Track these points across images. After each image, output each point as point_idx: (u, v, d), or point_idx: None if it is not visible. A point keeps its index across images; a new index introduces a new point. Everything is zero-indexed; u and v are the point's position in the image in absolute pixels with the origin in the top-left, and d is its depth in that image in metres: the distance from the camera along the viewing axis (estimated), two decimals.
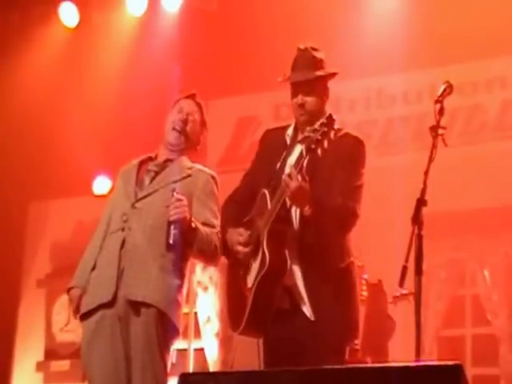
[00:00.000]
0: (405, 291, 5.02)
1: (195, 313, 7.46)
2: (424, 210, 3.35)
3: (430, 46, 6.97)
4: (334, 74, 3.87)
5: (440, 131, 3.46)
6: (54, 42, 8.40)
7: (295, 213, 3.71)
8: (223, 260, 3.98)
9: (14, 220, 8.32)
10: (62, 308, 8.08)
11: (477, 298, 6.82)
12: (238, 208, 3.90)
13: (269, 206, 3.69)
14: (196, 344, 7.46)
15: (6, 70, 8.30)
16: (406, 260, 3.27)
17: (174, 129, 4.05)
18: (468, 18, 6.87)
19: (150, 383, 3.75)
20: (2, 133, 8.30)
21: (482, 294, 6.78)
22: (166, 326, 3.78)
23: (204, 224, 3.90)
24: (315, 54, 3.84)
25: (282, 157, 3.80)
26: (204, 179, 4.00)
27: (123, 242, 3.85)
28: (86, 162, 7.74)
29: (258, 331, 3.76)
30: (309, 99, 3.78)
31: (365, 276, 5.59)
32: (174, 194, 3.82)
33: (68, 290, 3.99)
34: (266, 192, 3.74)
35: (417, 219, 3.32)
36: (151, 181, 4.00)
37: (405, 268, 3.26)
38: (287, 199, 3.60)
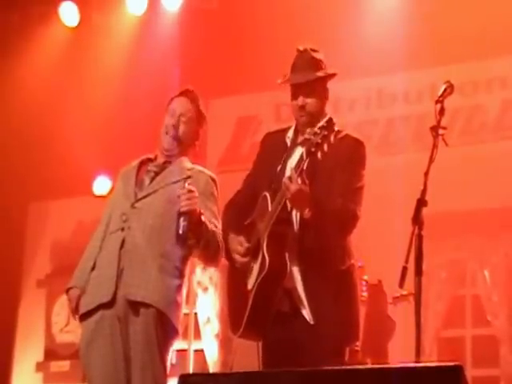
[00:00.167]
0: (405, 292, 5.01)
1: (195, 313, 7.45)
2: (424, 210, 3.35)
3: (431, 45, 6.97)
4: (333, 75, 3.86)
5: (440, 131, 3.45)
6: (55, 42, 8.40)
7: (296, 215, 3.70)
8: (224, 261, 3.98)
9: (14, 220, 8.32)
10: (62, 308, 8.07)
11: (477, 298, 6.82)
12: (239, 211, 3.89)
13: (269, 209, 3.69)
14: (196, 345, 7.46)
15: (6, 70, 8.29)
16: (406, 261, 3.27)
17: (166, 133, 4.03)
18: (468, 17, 6.87)
19: None
20: (2, 133, 8.30)
21: (482, 295, 6.78)
22: (165, 327, 3.78)
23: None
24: (314, 54, 3.84)
25: (283, 159, 3.79)
26: (204, 181, 3.99)
27: (123, 241, 3.85)
28: (86, 162, 7.74)
29: (258, 334, 3.76)
30: (309, 101, 3.78)
31: (365, 277, 5.58)
32: (186, 185, 3.80)
33: (67, 290, 3.99)
34: (267, 195, 3.73)
35: (417, 219, 3.32)
36: (151, 181, 3.99)
37: (405, 269, 3.25)
38: (287, 202, 3.59)
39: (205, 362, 7.33)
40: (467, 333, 6.88)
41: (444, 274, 6.85)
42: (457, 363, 2.66)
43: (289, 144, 3.85)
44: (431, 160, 3.41)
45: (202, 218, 3.79)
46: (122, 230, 3.87)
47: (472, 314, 6.87)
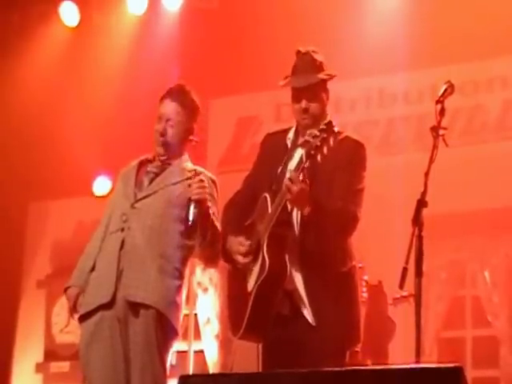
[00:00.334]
0: (405, 293, 5.00)
1: (195, 314, 7.44)
2: (424, 210, 3.34)
3: (431, 45, 6.96)
4: (333, 76, 3.86)
5: (441, 132, 3.45)
6: (55, 42, 8.39)
7: (296, 217, 3.70)
8: (224, 262, 3.97)
9: (14, 220, 8.31)
10: (62, 309, 8.05)
11: (477, 299, 6.81)
12: (239, 212, 3.88)
13: (269, 210, 3.68)
14: (196, 346, 7.45)
15: (6, 70, 8.29)
16: (407, 262, 3.26)
17: (157, 139, 4.01)
18: (469, 17, 6.86)
19: None
20: (2, 133, 8.29)
21: (482, 296, 6.77)
22: (165, 328, 3.78)
23: None
24: (316, 56, 3.83)
25: (283, 161, 3.78)
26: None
27: (122, 242, 3.84)
28: (86, 162, 7.73)
29: (258, 336, 3.75)
30: (312, 104, 3.77)
31: (365, 277, 5.57)
32: (200, 177, 3.79)
33: (65, 289, 3.99)
34: (267, 196, 3.73)
35: (417, 220, 3.31)
36: (150, 182, 3.99)
37: (405, 270, 3.25)
38: (288, 203, 3.58)
39: (205, 362, 7.32)
40: (467, 334, 6.87)
41: (444, 275, 6.84)
42: (457, 364, 2.66)
43: (289, 145, 3.84)
44: (431, 160, 3.40)
45: (210, 211, 3.79)
46: (122, 230, 3.86)
47: (472, 314, 6.86)
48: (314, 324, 3.62)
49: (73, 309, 3.92)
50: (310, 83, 3.76)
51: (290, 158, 3.78)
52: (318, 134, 3.47)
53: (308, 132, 3.54)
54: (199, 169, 4.04)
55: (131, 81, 7.80)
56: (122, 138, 7.52)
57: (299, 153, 3.65)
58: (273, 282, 3.62)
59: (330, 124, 3.51)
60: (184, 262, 3.92)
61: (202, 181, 3.79)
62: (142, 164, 4.08)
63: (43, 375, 8.23)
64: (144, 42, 7.96)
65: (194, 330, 7.44)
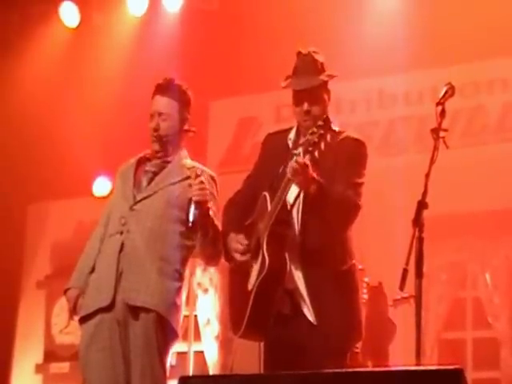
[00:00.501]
0: (405, 294, 5.00)
1: (195, 315, 7.44)
2: (425, 211, 3.33)
3: (432, 46, 6.96)
4: (333, 76, 3.85)
5: (441, 133, 3.44)
6: (55, 42, 8.39)
7: (296, 215, 3.70)
8: (224, 262, 3.96)
9: (14, 221, 8.31)
10: (61, 310, 8.05)
11: (478, 300, 6.80)
12: (240, 211, 3.88)
13: (269, 209, 3.68)
14: (196, 347, 7.44)
15: (6, 70, 8.29)
16: (407, 263, 3.26)
17: (151, 137, 4.01)
18: (470, 18, 6.86)
19: None
20: (2, 133, 8.29)
21: (483, 297, 6.76)
22: (165, 330, 3.77)
23: None
24: (317, 57, 3.82)
25: (284, 161, 3.77)
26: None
27: (122, 245, 3.83)
28: (86, 162, 7.73)
29: (258, 334, 3.75)
30: (314, 106, 3.77)
31: (365, 279, 5.56)
32: (201, 178, 3.79)
33: (65, 291, 3.98)
34: (267, 195, 3.73)
35: (418, 222, 3.30)
36: (149, 182, 3.97)
37: (405, 271, 3.24)
38: (294, 183, 3.55)
39: (205, 363, 7.32)
40: (468, 335, 6.86)
41: (445, 276, 6.83)
42: (457, 366, 2.65)
43: (290, 146, 3.84)
44: (432, 162, 3.40)
45: (211, 212, 3.78)
46: (121, 233, 3.85)
47: (473, 316, 6.86)
48: (314, 323, 3.62)
49: (73, 311, 3.92)
50: (311, 85, 3.76)
51: (291, 158, 3.77)
52: (315, 130, 3.48)
53: (309, 131, 3.54)
54: (198, 165, 4.02)
55: (131, 81, 7.79)
56: (121, 138, 7.51)
57: (298, 152, 3.64)
58: (273, 280, 3.62)
59: (327, 120, 3.52)
60: (184, 262, 3.92)
61: (202, 182, 3.78)
62: (140, 162, 4.06)
63: (43, 376, 8.23)
64: (144, 42, 7.96)
65: (194, 330, 7.44)
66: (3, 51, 8.28)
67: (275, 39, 7.14)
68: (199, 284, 7.45)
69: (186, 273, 3.99)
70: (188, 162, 4.03)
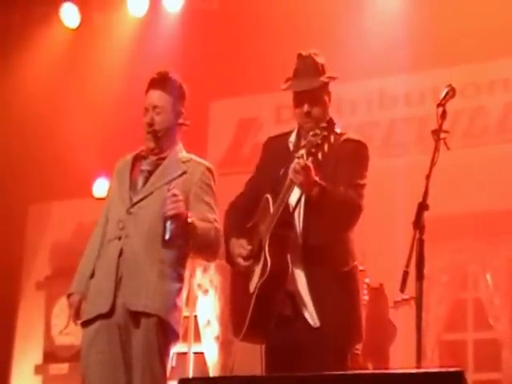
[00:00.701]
0: (406, 296, 4.99)
1: (195, 316, 7.43)
2: (426, 213, 3.33)
3: (433, 47, 6.95)
4: (334, 78, 3.84)
5: (442, 135, 3.44)
6: (55, 43, 8.39)
7: (298, 217, 3.70)
8: (224, 263, 3.96)
9: (14, 221, 8.30)
10: (61, 311, 8.05)
11: (479, 301, 6.80)
12: (242, 214, 3.87)
13: (271, 211, 3.68)
14: (196, 347, 7.43)
15: (7, 71, 8.29)
16: (407, 265, 3.25)
17: (146, 133, 3.97)
18: (470, 19, 6.85)
19: None
20: (2, 134, 8.29)
21: (483, 298, 6.76)
22: (166, 332, 3.76)
23: (200, 220, 3.84)
24: (317, 59, 3.82)
25: (285, 163, 3.76)
26: (199, 174, 3.93)
27: (121, 250, 3.81)
28: (86, 163, 7.72)
29: (260, 337, 3.75)
30: (314, 108, 3.76)
31: (366, 280, 5.55)
32: (170, 187, 3.77)
33: (68, 296, 3.97)
34: (269, 197, 3.72)
35: (418, 224, 3.29)
36: (145, 182, 3.92)
37: (406, 273, 3.24)
38: (293, 178, 3.54)
39: (205, 364, 7.31)
40: (469, 336, 6.86)
41: (445, 278, 6.82)
42: (458, 369, 2.65)
43: (291, 148, 3.83)
44: (433, 164, 3.39)
45: (189, 219, 3.75)
46: (119, 238, 3.82)
47: (474, 317, 6.85)
48: (314, 326, 3.62)
49: (75, 316, 3.90)
50: (311, 87, 3.75)
51: (293, 160, 3.76)
52: (318, 132, 3.47)
53: (310, 133, 3.53)
54: (195, 158, 3.99)
55: (132, 82, 7.78)
56: (122, 139, 7.49)
57: (300, 153, 3.63)
58: (274, 282, 3.62)
59: (330, 121, 3.51)
60: (183, 263, 3.90)
61: (174, 195, 3.74)
62: (136, 159, 4.01)
63: (42, 377, 8.22)
64: (144, 43, 7.95)
65: (194, 331, 7.43)
66: (4, 52, 8.29)
67: (276, 40, 7.13)
68: (199, 285, 7.44)
69: (186, 274, 3.98)
70: (184, 155, 3.98)
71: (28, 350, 8.27)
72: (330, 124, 3.50)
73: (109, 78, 7.96)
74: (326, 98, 3.81)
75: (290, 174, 3.54)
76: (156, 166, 3.95)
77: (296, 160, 3.52)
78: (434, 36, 6.95)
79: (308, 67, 3.79)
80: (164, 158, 3.96)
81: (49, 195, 8.28)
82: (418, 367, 3.16)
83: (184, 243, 3.80)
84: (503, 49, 6.83)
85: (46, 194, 8.26)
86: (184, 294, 3.95)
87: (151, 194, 3.88)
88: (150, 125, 3.94)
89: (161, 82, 4.00)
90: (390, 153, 7.23)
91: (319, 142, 3.46)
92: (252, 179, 3.99)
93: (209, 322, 7.37)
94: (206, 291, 7.44)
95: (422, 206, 3.32)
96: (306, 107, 3.76)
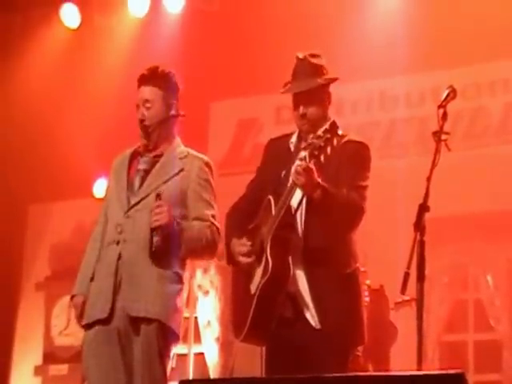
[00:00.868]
0: (407, 297, 4.98)
1: (195, 317, 7.42)
2: (426, 214, 3.32)
3: (433, 48, 6.95)
4: (333, 80, 3.84)
5: (443, 136, 3.43)
6: (56, 43, 8.39)
7: (300, 218, 3.69)
8: (225, 264, 3.95)
9: (14, 222, 8.30)
10: (61, 311, 8.06)
11: (479, 302, 6.79)
12: (243, 216, 3.86)
13: (273, 212, 3.67)
14: (196, 348, 7.43)
15: (8, 71, 8.29)
16: (408, 266, 3.24)
17: (139, 129, 3.94)
18: (471, 20, 6.85)
19: None
20: (3, 134, 8.29)
21: (484, 299, 6.75)
22: (166, 334, 3.74)
23: (197, 218, 3.83)
24: (314, 61, 3.81)
25: (287, 165, 3.76)
26: (197, 169, 3.89)
27: (119, 255, 3.79)
28: (86, 164, 7.71)
29: (261, 339, 3.74)
30: (310, 109, 3.76)
31: (367, 281, 5.55)
32: (157, 194, 3.75)
33: (71, 297, 3.96)
34: (271, 198, 3.72)
35: (419, 225, 3.29)
36: (141, 182, 3.88)
37: (407, 274, 3.23)
38: (295, 181, 3.54)
39: (205, 365, 7.30)
40: (469, 337, 6.85)
41: (446, 279, 6.82)
42: (459, 371, 2.65)
43: (292, 149, 3.83)
44: (434, 165, 3.39)
45: (176, 226, 3.72)
46: (118, 243, 3.80)
47: (474, 318, 6.85)
48: (316, 327, 3.61)
49: (79, 318, 3.88)
50: (306, 88, 3.75)
51: (294, 161, 3.76)
52: (321, 134, 3.47)
53: (311, 135, 3.53)
54: (193, 152, 3.95)
55: (132, 83, 7.76)
56: (122, 140, 7.47)
57: (302, 156, 3.63)
58: (276, 284, 3.62)
59: (333, 124, 3.50)
60: (182, 265, 3.87)
61: (159, 206, 3.72)
62: (133, 157, 3.98)
63: (42, 378, 8.21)
64: (145, 44, 7.95)
65: (195, 332, 7.42)
66: (5, 52, 8.29)
67: (276, 40, 7.13)
68: (200, 286, 7.43)
69: (186, 275, 3.96)
70: (181, 149, 3.94)
71: (27, 350, 8.27)
72: (333, 126, 3.49)
73: (109, 78, 7.96)
74: (324, 100, 3.80)
75: (292, 176, 3.54)
76: (152, 164, 3.91)
77: (298, 162, 3.52)
78: (434, 37, 6.94)
79: (304, 69, 3.79)
80: (161, 156, 3.93)
81: (49, 195, 8.28)
82: (418, 369, 3.16)
83: (177, 249, 3.78)
84: (504, 50, 6.82)
85: (47, 194, 8.26)
86: (184, 295, 3.94)
87: (148, 195, 3.83)
88: (141, 121, 3.92)
89: (150, 76, 3.97)
90: (390, 153, 7.22)
91: (322, 144, 3.45)
92: (253, 181, 3.98)
93: (209, 322, 7.37)
94: (206, 292, 7.43)
95: (423, 208, 3.32)
96: (301, 109, 3.76)
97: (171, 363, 3.90)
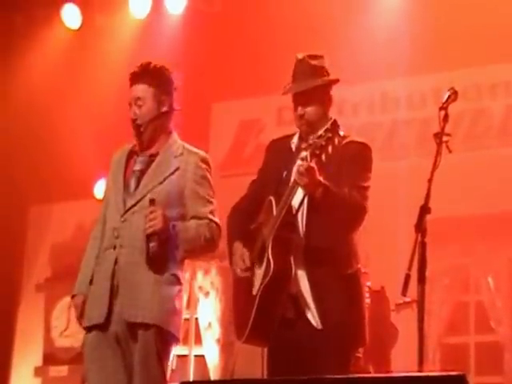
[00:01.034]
0: (408, 299, 4.98)
1: (196, 318, 7.42)
2: (428, 215, 3.31)
3: (435, 50, 6.95)
4: (334, 81, 3.84)
5: (444, 138, 3.42)
6: (57, 44, 8.40)
7: (301, 219, 3.69)
8: (226, 265, 3.94)
9: (14, 223, 8.30)
10: (61, 313, 8.05)
11: (480, 304, 6.79)
12: (245, 216, 3.87)
13: (274, 213, 3.67)
14: (196, 350, 7.42)
15: (9, 72, 8.29)
16: (409, 268, 3.24)
17: (132, 129, 3.90)
18: (472, 23, 6.85)
19: None
20: (3, 135, 8.29)
21: (485, 301, 6.75)
22: (165, 338, 3.72)
23: (194, 217, 3.80)
24: (314, 62, 3.81)
25: (288, 165, 3.75)
26: (193, 167, 3.85)
27: (116, 260, 3.77)
28: (87, 165, 7.71)
29: (263, 340, 3.73)
30: (308, 109, 3.76)
31: (368, 283, 5.54)
32: (152, 207, 3.71)
33: (72, 297, 3.96)
34: (272, 199, 3.72)
35: (420, 226, 3.28)
36: (137, 184, 3.84)
37: (408, 276, 3.23)
38: (298, 180, 3.53)
39: (205, 367, 7.30)
40: (471, 339, 6.85)
41: (447, 280, 6.81)
42: (460, 373, 2.63)
43: (294, 150, 3.83)
44: (435, 167, 3.38)
45: (172, 229, 3.71)
46: (114, 248, 3.78)
47: (475, 320, 6.84)
48: (318, 327, 3.61)
49: (80, 318, 3.87)
50: (303, 89, 3.75)
51: (295, 162, 3.76)
52: (323, 134, 3.47)
53: (312, 135, 3.53)
54: (189, 147, 3.91)
55: None
56: (123, 141, 7.48)
57: (304, 155, 3.63)
58: (277, 285, 3.61)
59: (334, 123, 3.51)
60: (180, 266, 3.84)
61: (152, 211, 3.69)
62: (130, 157, 3.94)
63: (42, 379, 8.21)
64: (146, 44, 7.94)
65: (195, 334, 7.42)
66: (6, 53, 8.29)
67: (277, 41, 7.13)
68: (200, 287, 7.43)
69: (187, 276, 3.95)
70: (177, 146, 3.88)
71: (28, 352, 8.27)
72: (334, 126, 3.50)
73: (110, 79, 7.95)
74: (324, 100, 3.80)
75: (295, 176, 3.53)
76: (148, 164, 3.86)
77: (300, 162, 3.51)
78: (435, 39, 6.94)
79: (303, 70, 3.79)
80: (156, 155, 3.88)
81: (50, 196, 8.28)
82: (419, 370, 3.15)
83: (175, 251, 3.75)
84: (505, 52, 6.82)
85: (47, 195, 8.26)
86: (184, 296, 3.93)
87: (143, 198, 3.79)
88: (133, 120, 3.87)
89: (141, 74, 3.91)
90: (391, 155, 7.22)
91: (323, 143, 3.46)
92: (255, 181, 3.98)
93: (210, 324, 7.36)
94: (207, 293, 7.43)
95: (424, 209, 3.31)
96: (299, 110, 3.77)
97: (171, 365, 3.88)
